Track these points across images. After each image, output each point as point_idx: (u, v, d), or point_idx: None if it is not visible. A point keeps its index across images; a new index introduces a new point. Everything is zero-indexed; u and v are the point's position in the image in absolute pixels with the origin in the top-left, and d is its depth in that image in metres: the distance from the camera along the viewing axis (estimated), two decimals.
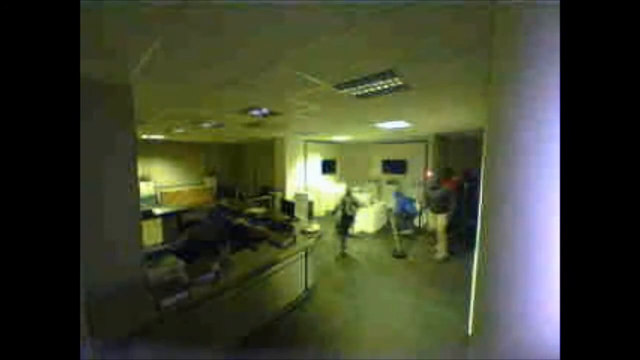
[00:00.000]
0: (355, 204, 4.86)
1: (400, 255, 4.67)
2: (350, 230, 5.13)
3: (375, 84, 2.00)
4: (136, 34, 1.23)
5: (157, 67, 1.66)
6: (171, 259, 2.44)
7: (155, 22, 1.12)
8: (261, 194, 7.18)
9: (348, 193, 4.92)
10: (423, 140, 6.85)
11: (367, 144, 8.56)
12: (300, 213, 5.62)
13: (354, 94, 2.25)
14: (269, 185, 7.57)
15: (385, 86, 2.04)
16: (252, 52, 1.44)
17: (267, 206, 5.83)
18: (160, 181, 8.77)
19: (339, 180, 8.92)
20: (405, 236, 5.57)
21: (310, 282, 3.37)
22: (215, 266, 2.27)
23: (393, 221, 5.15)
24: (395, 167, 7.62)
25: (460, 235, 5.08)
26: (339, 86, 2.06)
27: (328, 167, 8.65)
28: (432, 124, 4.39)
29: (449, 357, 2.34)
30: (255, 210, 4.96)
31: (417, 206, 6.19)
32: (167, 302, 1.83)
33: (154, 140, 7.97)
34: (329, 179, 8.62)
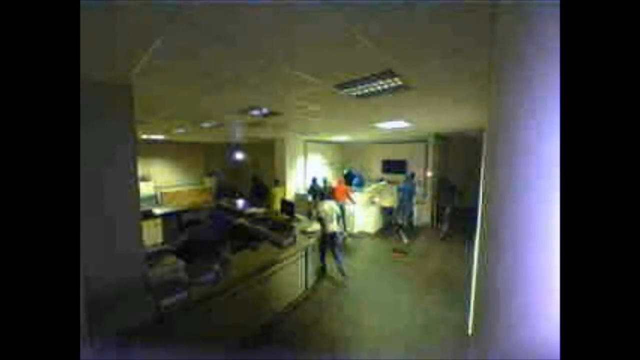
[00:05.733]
0: (322, 193, 4.68)
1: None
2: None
3: (375, 84, 2.00)
4: (136, 34, 1.23)
5: (157, 67, 1.66)
6: (171, 259, 2.44)
7: (155, 22, 1.12)
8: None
9: (314, 181, 5.00)
10: (423, 140, 6.85)
11: (367, 144, 8.56)
12: (300, 213, 5.63)
13: (354, 94, 2.25)
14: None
15: (385, 86, 2.04)
16: (252, 52, 1.44)
17: (267, 206, 5.83)
18: (160, 181, 8.77)
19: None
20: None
21: (310, 282, 3.37)
22: (215, 266, 2.27)
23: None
24: (395, 167, 7.62)
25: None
26: (339, 86, 2.06)
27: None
28: (432, 124, 4.40)
29: (449, 357, 2.34)
30: (255, 210, 4.96)
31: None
32: (167, 302, 1.83)
33: (154, 140, 7.97)
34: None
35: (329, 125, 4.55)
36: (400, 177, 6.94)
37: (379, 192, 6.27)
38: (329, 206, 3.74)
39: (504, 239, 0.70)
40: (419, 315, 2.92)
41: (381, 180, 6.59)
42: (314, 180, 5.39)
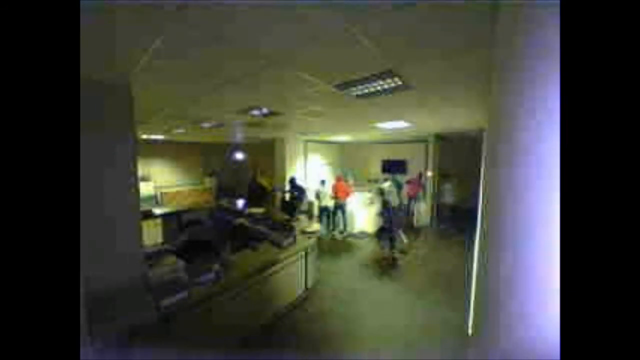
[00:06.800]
0: (301, 190, 5.40)
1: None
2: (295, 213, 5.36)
3: (375, 84, 2.00)
4: (136, 34, 1.23)
5: (157, 67, 1.66)
6: (171, 259, 2.44)
7: (155, 22, 1.12)
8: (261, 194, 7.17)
9: (291, 180, 5.47)
10: (423, 140, 6.85)
11: (367, 144, 8.56)
12: (299, 212, 5.65)
13: (354, 94, 2.25)
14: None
15: (385, 86, 2.04)
16: (252, 52, 1.44)
17: (267, 206, 5.85)
18: (160, 181, 8.77)
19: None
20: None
21: (310, 282, 3.37)
22: (216, 266, 2.27)
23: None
24: (395, 167, 7.62)
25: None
26: (339, 86, 2.06)
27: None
28: (432, 124, 4.40)
29: (449, 357, 2.34)
30: (255, 210, 4.96)
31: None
32: (167, 302, 1.83)
33: (154, 140, 7.97)
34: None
35: (329, 125, 4.55)
36: (400, 177, 6.95)
37: (388, 192, 6.28)
38: (323, 191, 5.70)
39: (504, 239, 0.70)
40: (419, 315, 2.93)
41: (385, 180, 6.59)
42: (293, 179, 5.77)
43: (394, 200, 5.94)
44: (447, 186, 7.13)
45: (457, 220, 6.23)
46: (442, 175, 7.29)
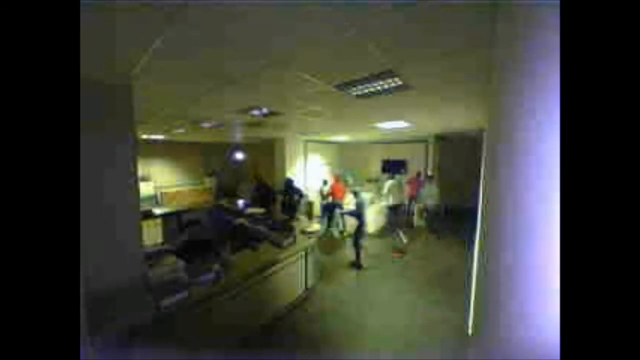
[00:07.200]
0: (299, 194, 5.48)
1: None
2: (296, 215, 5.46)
3: (375, 84, 2.00)
4: (136, 33, 1.23)
5: (157, 67, 1.66)
6: (171, 259, 2.44)
7: (155, 22, 1.12)
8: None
9: (288, 182, 5.51)
10: (423, 140, 6.85)
11: (366, 144, 8.56)
12: (300, 213, 5.67)
13: (354, 94, 2.25)
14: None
15: (385, 86, 2.04)
16: (252, 52, 1.44)
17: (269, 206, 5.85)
18: (160, 181, 8.77)
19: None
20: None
21: (310, 282, 3.37)
22: (216, 266, 2.27)
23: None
24: (395, 167, 7.63)
25: None
26: (339, 86, 2.05)
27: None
28: (432, 124, 4.40)
29: (449, 357, 2.34)
30: (255, 210, 4.96)
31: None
32: (167, 302, 1.83)
33: (154, 140, 7.97)
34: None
35: (329, 125, 4.55)
36: (399, 177, 6.96)
37: (391, 191, 6.32)
38: (325, 190, 5.89)
39: (504, 239, 0.71)
40: (419, 314, 2.93)
41: (389, 179, 6.63)
42: (291, 181, 5.85)
43: (394, 200, 5.97)
44: (431, 190, 5.86)
45: (447, 221, 6.23)
46: (428, 177, 6.27)
